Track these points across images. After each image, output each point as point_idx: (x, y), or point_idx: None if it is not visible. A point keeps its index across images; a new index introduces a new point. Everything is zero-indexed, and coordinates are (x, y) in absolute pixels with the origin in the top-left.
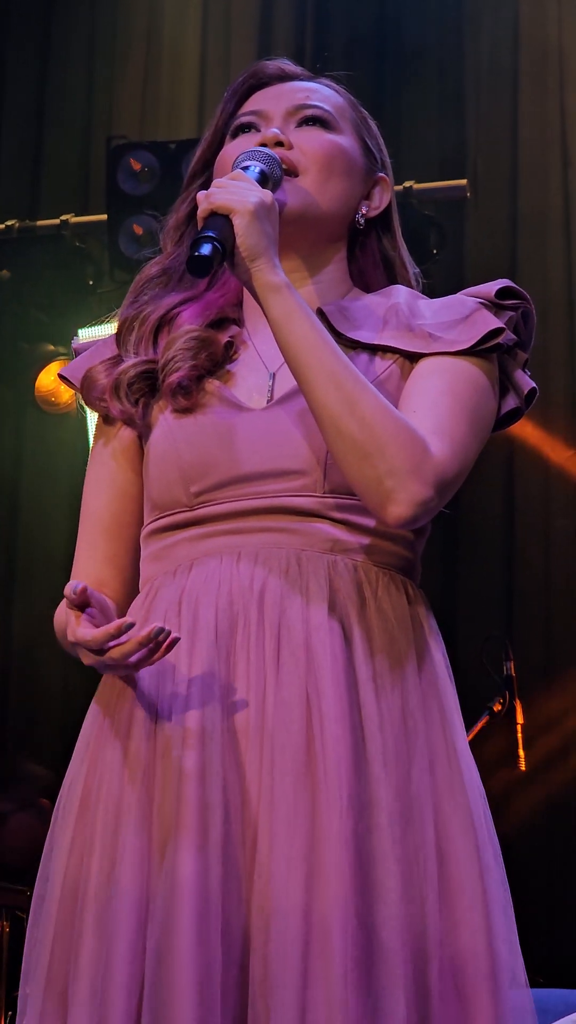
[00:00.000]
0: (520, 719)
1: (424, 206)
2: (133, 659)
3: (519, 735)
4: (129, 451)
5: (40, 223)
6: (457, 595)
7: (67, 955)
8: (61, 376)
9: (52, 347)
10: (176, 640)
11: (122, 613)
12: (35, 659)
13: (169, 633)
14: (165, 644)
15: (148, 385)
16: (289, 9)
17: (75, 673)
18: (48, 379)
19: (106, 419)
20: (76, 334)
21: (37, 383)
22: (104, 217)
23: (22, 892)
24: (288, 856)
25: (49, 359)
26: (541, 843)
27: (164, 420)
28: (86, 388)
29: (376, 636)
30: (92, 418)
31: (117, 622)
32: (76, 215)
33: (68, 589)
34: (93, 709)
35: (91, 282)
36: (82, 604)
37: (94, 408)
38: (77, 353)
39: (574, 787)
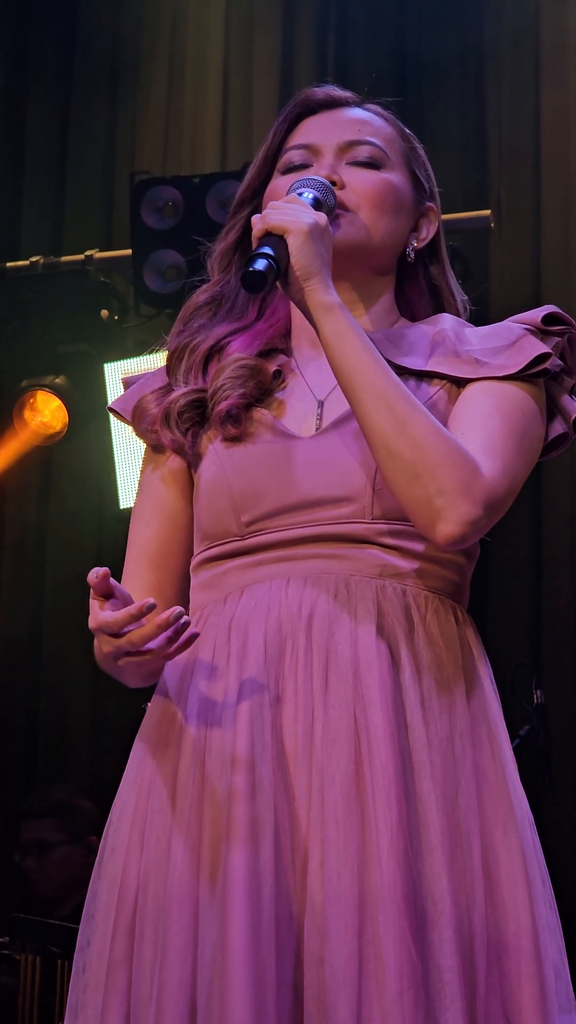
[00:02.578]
0: (551, 747)
1: (449, 236)
2: (153, 644)
3: (550, 763)
4: (179, 478)
5: (64, 259)
6: (486, 623)
7: (121, 985)
8: (111, 409)
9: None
10: (195, 635)
11: None
12: (64, 693)
13: (188, 622)
14: (184, 636)
15: (198, 414)
16: (310, 48)
17: (105, 690)
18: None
19: (155, 448)
20: (102, 369)
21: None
22: (128, 252)
23: (53, 926)
24: (338, 879)
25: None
26: (569, 872)
27: (213, 449)
28: (137, 419)
29: (424, 660)
30: (120, 448)
31: (139, 603)
32: (100, 250)
33: (91, 575)
34: (142, 731)
35: (116, 317)
36: (104, 591)
37: (145, 439)
38: (127, 386)
39: None
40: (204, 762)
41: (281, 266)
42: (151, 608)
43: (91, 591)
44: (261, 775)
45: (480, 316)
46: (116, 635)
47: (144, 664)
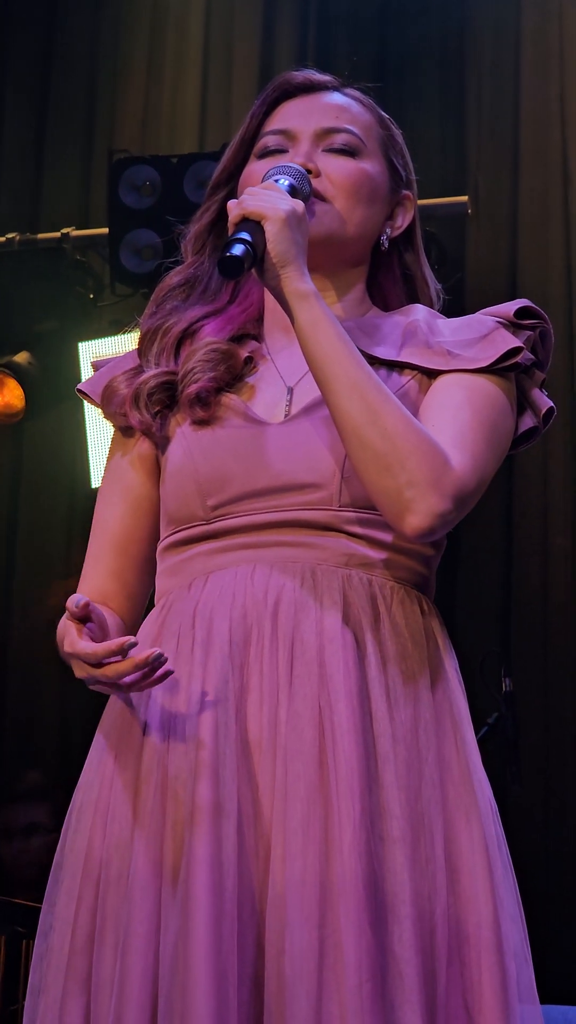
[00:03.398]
0: (518, 735)
1: (425, 222)
2: (127, 680)
3: (518, 751)
4: (147, 462)
5: (41, 236)
6: (455, 612)
7: (81, 971)
8: (80, 391)
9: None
10: (169, 673)
11: (127, 629)
12: (33, 673)
13: (165, 661)
14: (159, 673)
15: (168, 396)
16: (291, 30)
17: (73, 683)
18: None
19: (124, 431)
20: (77, 348)
21: None
22: (105, 231)
23: (18, 907)
24: (301, 869)
25: None
26: (535, 858)
27: (181, 433)
28: (106, 400)
29: (389, 650)
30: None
31: (120, 640)
32: (77, 229)
33: (71, 602)
34: (105, 718)
35: (92, 296)
36: (83, 618)
37: (113, 421)
38: (96, 369)
39: (568, 802)
40: (168, 750)
41: (258, 252)
42: (132, 646)
43: (67, 613)
44: (225, 763)
45: (455, 303)
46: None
47: (114, 691)
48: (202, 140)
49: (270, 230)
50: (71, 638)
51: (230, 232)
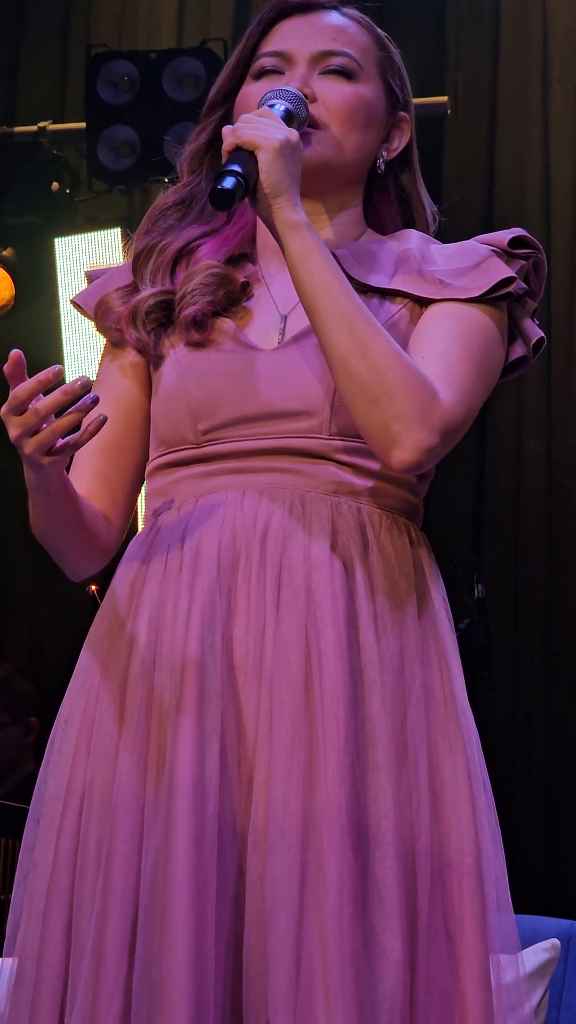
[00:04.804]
0: (489, 642)
1: None
2: (63, 424)
3: (489, 657)
4: (139, 372)
5: (18, 129)
6: (427, 519)
7: (63, 887)
8: (74, 303)
9: None
10: (104, 419)
11: (115, 539)
12: (5, 560)
13: (96, 399)
14: (83, 402)
15: (164, 316)
16: None
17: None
18: None
19: (116, 344)
20: (53, 244)
21: None
22: (83, 125)
23: None
24: (285, 794)
25: None
26: (502, 762)
27: (175, 355)
28: (101, 315)
29: (377, 577)
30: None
31: (44, 371)
32: (54, 122)
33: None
34: (91, 636)
35: (68, 191)
36: (15, 373)
37: (107, 335)
38: (90, 280)
39: (536, 709)
40: (153, 670)
41: (250, 183)
42: (58, 374)
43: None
44: (210, 686)
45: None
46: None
47: (63, 468)
48: (180, 36)
49: (263, 160)
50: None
51: (224, 161)
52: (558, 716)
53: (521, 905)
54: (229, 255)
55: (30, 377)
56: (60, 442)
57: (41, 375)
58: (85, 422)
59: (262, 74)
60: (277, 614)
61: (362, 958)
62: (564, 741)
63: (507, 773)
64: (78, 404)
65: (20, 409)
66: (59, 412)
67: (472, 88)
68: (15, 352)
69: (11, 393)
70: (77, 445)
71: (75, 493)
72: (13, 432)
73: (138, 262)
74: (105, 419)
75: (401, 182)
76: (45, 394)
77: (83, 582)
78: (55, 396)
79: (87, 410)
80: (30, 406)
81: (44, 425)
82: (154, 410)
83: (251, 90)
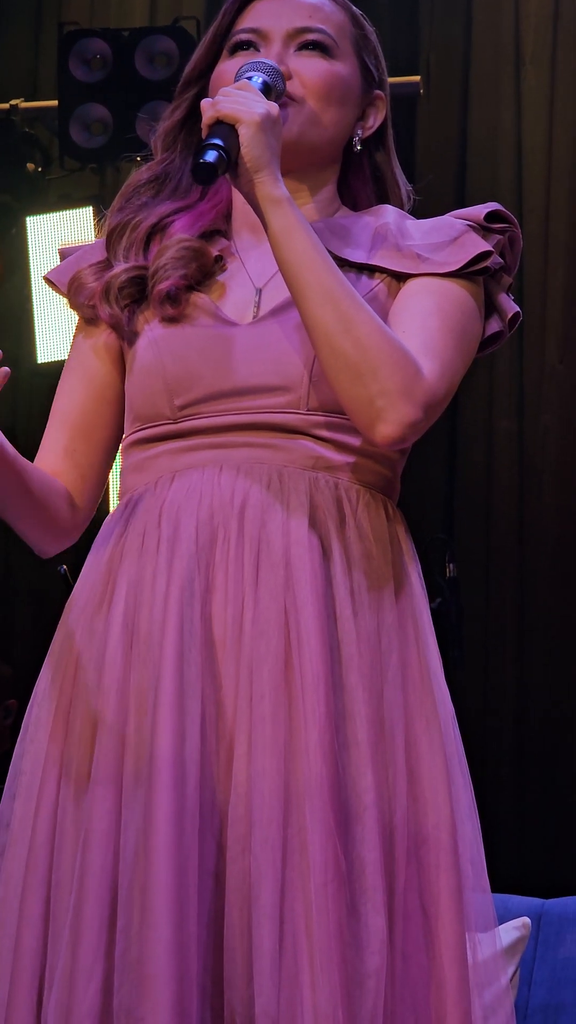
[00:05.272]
0: (461, 620)
1: None
2: None
3: (461, 636)
4: (112, 352)
5: None
6: (401, 497)
7: (41, 866)
8: (47, 279)
9: None
10: (7, 373)
11: (82, 517)
12: None
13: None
14: None
15: (138, 291)
16: None
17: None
18: None
19: (89, 321)
20: (25, 223)
21: None
22: (55, 103)
23: None
24: (265, 769)
25: None
26: (474, 739)
27: (150, 330)
28: (74, 292)
29: (354, 553)
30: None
31: None
32: (26, 100)
33: None
34: (67, 612)
35: (40, 169)
36: None
37: (80, 312)
38: (63, 257)
39: (508, 689)
40: (131, 646)
41: (231, 157)
42: None
43: None
44: (189, 662)
45: (409, 190)
46: None
47: None
48: (153, 14)
49: (244, 134)
50: None
51: (204, 135)
52: (529, 695)
53: (491, 883)
54: (203, 230)
55: None
56: None
57: None
58: None
59: (237, 49)
60: (256, 590)
61: (347, 935)
62: (535, 721)
63: (478, 754)
64: None
65: None
66: None
67: (444, 68)
68: None
69: None
70: None
71: (21, 467)
72: None
73: (111, 239)
74: (8, 373)
75: (376, 161)
76: None
77: (54, 560)
78: None
79: None
80: None
81: None
82: (129, 386)
83: (227, 66)
